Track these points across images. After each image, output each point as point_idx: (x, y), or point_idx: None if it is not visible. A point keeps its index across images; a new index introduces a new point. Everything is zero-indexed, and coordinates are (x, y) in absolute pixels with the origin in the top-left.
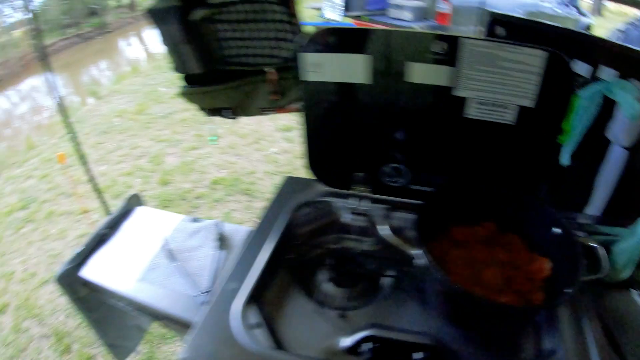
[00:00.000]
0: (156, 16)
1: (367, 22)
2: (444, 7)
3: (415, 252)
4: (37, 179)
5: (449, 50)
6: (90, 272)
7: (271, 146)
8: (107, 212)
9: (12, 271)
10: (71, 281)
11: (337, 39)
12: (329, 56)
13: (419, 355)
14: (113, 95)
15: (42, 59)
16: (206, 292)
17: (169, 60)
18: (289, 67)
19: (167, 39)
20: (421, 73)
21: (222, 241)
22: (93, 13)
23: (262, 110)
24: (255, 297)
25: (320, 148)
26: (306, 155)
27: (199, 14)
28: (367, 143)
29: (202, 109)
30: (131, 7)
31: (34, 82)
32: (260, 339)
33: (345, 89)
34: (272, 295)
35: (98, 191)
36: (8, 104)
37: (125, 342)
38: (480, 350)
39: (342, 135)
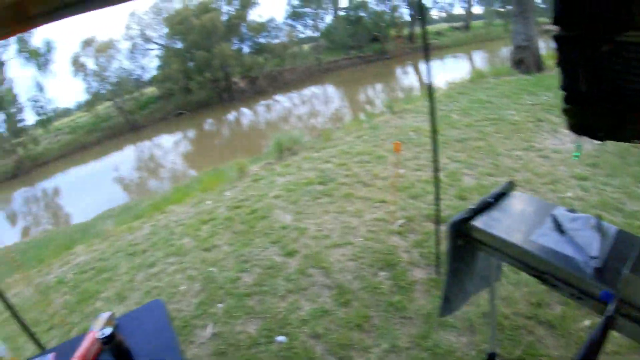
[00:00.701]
0: (560, 41)
1: None
2: None
3: None
4: (335, 165)
5: None
6: (480, 224)
7: (567, 190)
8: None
9: (306, 227)
10: (459, 229)
11: None
12: None
13: None
14: (406, 113)
15: (324, 73)
16: (595, 258)
17: (559, 78)
18: None
19: (565, 61)
20: None
21: (600, 229)
22: (375, 39)
23: (631, 139)
24: None
25: None
26: None
27: (605, 47)
28: None
29: (572, 126)
30: (410, 39)
31: (315, 90)
32: None
33: None
34: None
35: (437, 188)
36: (290, 104)
37: (458, 301)
38: None
39: None
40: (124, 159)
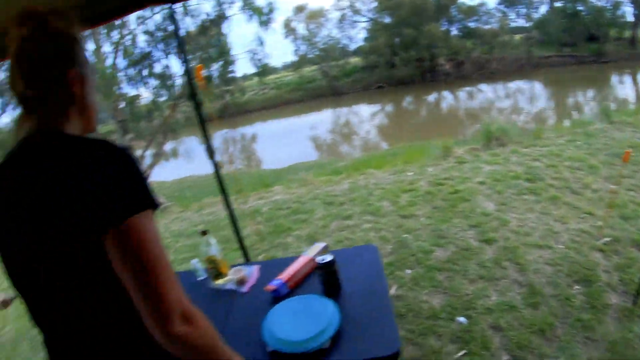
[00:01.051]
0: None
1: None
2: None
3: None
4: (544, 165)
5: None
6: None
7: None
8: None
9: (508, 220)
10: None
11: None
12: None
13: None
14: (625, 125)
15: (533, 68)
16: None
17: None
18: None
19: None
20: None
21: None
22: (592, 38)
23: None
24: None
25: None
26: None
27: None
28: None
29: None
30: (632, 42)
31: (521, 85)
32: None
33: None
34: None
35: None
36: (493, 94)
37: None
38: None
39: None
40: (321, 120)
